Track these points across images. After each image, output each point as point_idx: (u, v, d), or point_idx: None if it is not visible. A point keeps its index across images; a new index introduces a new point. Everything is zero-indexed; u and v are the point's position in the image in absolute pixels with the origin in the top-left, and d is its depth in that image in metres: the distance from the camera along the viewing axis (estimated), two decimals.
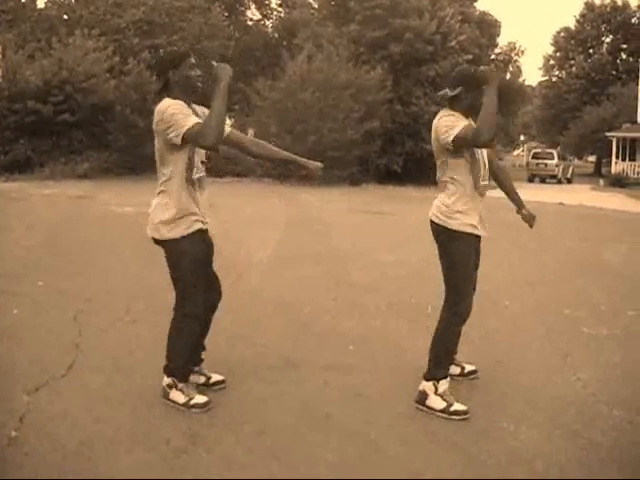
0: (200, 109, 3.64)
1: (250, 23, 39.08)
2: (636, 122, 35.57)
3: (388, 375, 4.22)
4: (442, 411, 3.60)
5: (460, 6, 31.50)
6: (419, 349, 4.33)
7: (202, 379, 3.87)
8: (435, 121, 3.68)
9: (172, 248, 3.54)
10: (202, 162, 3.62)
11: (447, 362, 3.77)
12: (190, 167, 3.50)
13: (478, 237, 3.76)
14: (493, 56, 41.22)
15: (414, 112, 25.07)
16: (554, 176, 35.00)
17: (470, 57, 26.57)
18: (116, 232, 9.96)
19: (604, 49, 48.32)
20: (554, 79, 51.25)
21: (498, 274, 7.25)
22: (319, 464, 3.07)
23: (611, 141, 35.27)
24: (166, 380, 3.66)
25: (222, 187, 17.34)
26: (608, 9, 47.45)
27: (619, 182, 31.76)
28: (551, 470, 3.08)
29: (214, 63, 3.38)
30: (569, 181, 35.63)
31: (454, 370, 4.03)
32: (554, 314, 5.87)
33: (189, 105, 3.53)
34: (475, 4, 37.55)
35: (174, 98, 3.46)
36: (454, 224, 3.64)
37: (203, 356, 3.92)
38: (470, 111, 3.67)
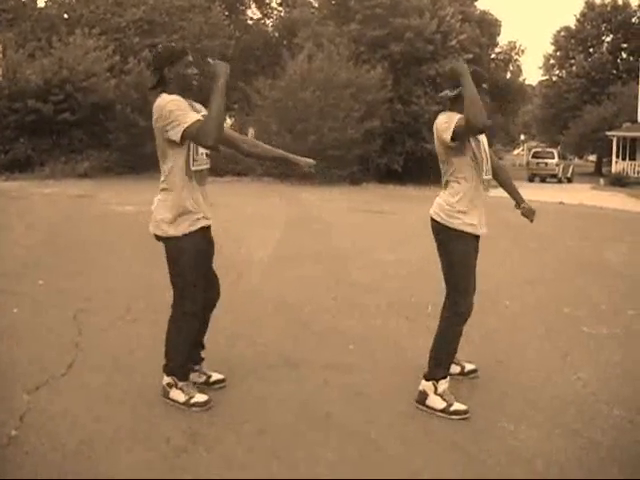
0: (199, 107, 3.63)
1: (250, 22, 39.04)
2: (636, 121, 35.56)
3: (388, 374, 4.22)
4: (442, 411, 3.60)
5: (460, 5, 31.50)
6: (419, 348, 4.33)
7: (202, 378, 3.87)
8: (435, 125, 3.70)
9: (173, 245, 3.54)
10: (207, 154, 3.62)
11: (447, 362, 3.76)
12: (190, 160, 3.51)
13: (478, 236, 3.76)
14: (493, 55, 41.20)
15: (414, 111, 25.05)
16: (554, 175, 34.99)
17: (470, 56, 26.54)
18: (116, 231, 9.96)
19: (604, 48, 48.28)
20: (554, 78, 51.23)
21: (498, 273, 7.26)
22: (319, 463, 3.07)
23: (611, 140, 35.26)
24: (166, 379, 3.66)
25: (222, 186, 17.33)
26: (608, 8, 47.41)
27: (619, 181, 31.75)
28: (551, 469, 3.08)
29: (210, 60, 3.38)
30: (569, 180, 35.61)
31: (454, 369, 4.03)
32: (554, 313, 5.87)
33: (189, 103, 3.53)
34: (475, 3, 37.64)
35: (170, 94, 3.46)
36: (455, 223, 3.65)
37: (203, 355, 3.92)
38: None
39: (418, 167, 24.37)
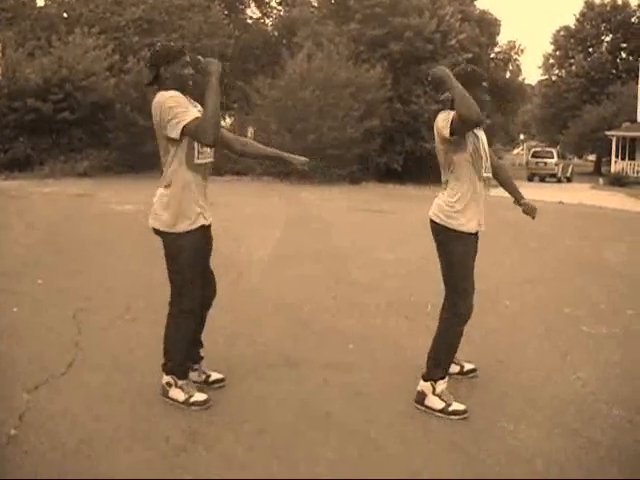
0: (195, 104, 3.63)
1: (250, 21, 38.97)
2: (636, 121, 35.58)
3: (388, 373, 4.22)
4: (441, 411, 3.60)
5: (460, 5, 31.47)
6: (419, 347, 4.33)
7: (201, 377, 3.87)
8: (436, 123, 3.70)
9: (172, 242, 3.54)
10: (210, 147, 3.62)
11: (446, 363, 3.75)
12: (195, 153, 3.51)
13: (476, 235, 3.76)
14: (493, 55, 41.17)
15: (414, 110, 25.05)
16: (554, 175, 35.03)
17: (470, 56, 26.58)
18: (116, 230, 9.96)
19: (604, 48, 48.29)
20: (554, 78, 51.25)
21: (498, 273, 7.26)
22: (319, 462, 3.07)
23: (611, 140, 35.28)
24: (165, 378, 3.66)
25: (222, 185, 17.32)
26: (608, 8, 47.44)
27: (619, 181, 31.78)
28: (551, 469, 3.08)
29: (201, 59, 3.40)
30: (569, 180, 35.64)
31: (453, 369, 4.03)
32: (554, 313, 5.88)
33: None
34: (475, 3, 37.52)
35: (166, 91, 3.47)
36: (454, 224, 3.64)
37: (202, 354, 3.92)
38: None
39: (418, 166, 24.37)
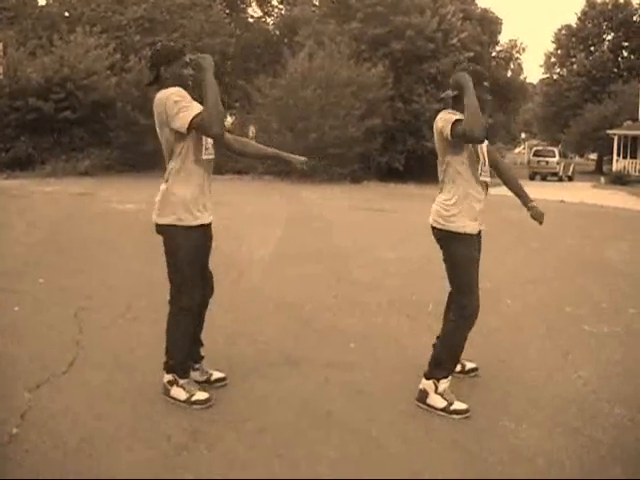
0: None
1: (251, 20, 38.96)
2: (637, 120, 35.51)
3: (389, 372, 4.22)
4: (442, 410, 3.60)
5: (461, 3, 31.44)
6: (420, 346, 4.34)
7: (203, 376, 3.88)
8: (436, 121, 3.69)
9: (172, 238, 3.54)
10: (212, 145, 3.63)
11: (449, 364, 3.73)
12: (202, 149, 3.53)
13: (479, 235, 3.75)
14: (494, 53, 41.13)
15: (415, 109, 25.03)
16: (555, 174, 34.97)
17: (471, 54, 26.56)
18: (117, 229, 9.96)
19: (605, 47, 48.23)
20: (555, 77, 51.19)
21: (499, 272, 7.25)
22: (320, 461, 3.07)
23: (612, 139, 35.23)
24: (167, 377, 3.66)
25: (223, 184, 17.32)
26: (609, 6, 47.37)
27: (620, 180, 31.71)
28: (552, 468, 3.08)
29: (192, 56, 3.42)
30: (570, 179, 35.59)
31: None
32: (555, 312, 5.87)
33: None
34: (476, 1, 37.54)
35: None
36: (454, 226, 3.64)
37: (203, 353, 3.92)
38: None
39: (419, 165, 24.33)
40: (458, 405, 3.60)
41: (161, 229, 3.59)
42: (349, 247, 9.11)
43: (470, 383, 4.06)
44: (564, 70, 50.49)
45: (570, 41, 49.35)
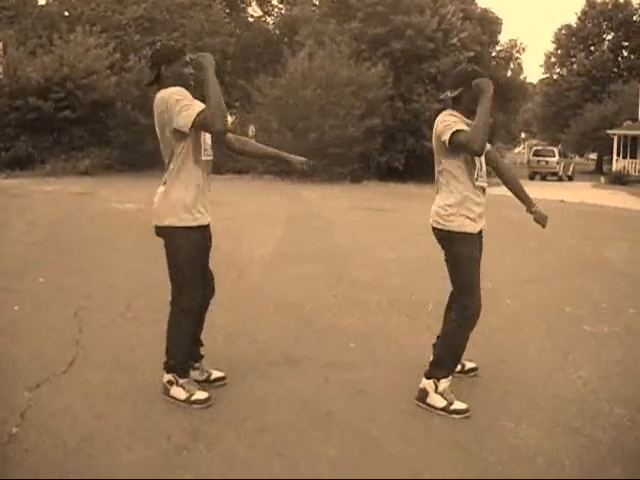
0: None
1: (251, 20, 38.95)
2: (637, 120, 35.52)
3: (389, 372, 4.22)
4: (442, 409, 3.59)
5: (461, 3, 31.43)
6: (420, 346, 4.34)
7: (203, 376, 3.88)
8: (436, 122, 3.68)
9: (173, 239, 3.54)
10: (211, 146, 3.64)
11: (450, 364, 3.73)
12: (201, 150, 3.53)
13: (480, 234, 3.75)
14: (494, 53, 41.13)
15: (415, 109, 25.02)
16: (555, 173, 34.99)
17: (471, 54, 26.53)
18: (117, 229, 9.96)
19: (605, 46, 48.25)
20: (555, 76, 51.21)
21: (499, 272, 7.25)
22: (320, 461, 3.07)
23: (612, 139, 35.24)
24: (166, 376, 3.66)
25: (223, 184, 17.33)
26: (609, 6, 47.38)
27: (620, 180, 31.72)
28: (552, 468, 3.08)
29: (192, 56, 3.42)
30: (570, 178, 35.61)
31: None
32: (555, 312, 5.87)
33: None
34: (476, 1, 37.53)
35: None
36: (454, 226, 3.63)
37: (203, 352, 3.92)
38: (471, 110, 3.67)
39: (419, 165, 24.30)
40: (458, 405, 3.60)
41: (161, 231, 3.58)
42: (349, 247, 9.11)
43: (470, 383, 4.06)
44: (564, 70, 50.51)
45: (570, 41, 49.37)
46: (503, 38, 56.24)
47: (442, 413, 3.58)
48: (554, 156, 35.57)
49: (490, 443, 3.28)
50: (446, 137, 3.51)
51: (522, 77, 46.44)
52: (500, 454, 3.17)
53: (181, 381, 3.64)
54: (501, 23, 40.54)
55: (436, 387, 3.65)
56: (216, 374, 3.92)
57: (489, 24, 37.31)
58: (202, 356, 3.92)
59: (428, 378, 3.70)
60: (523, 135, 70.50)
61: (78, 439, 3.17)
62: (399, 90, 25.08)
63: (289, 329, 5.09)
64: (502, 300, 6.14)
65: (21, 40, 24.79)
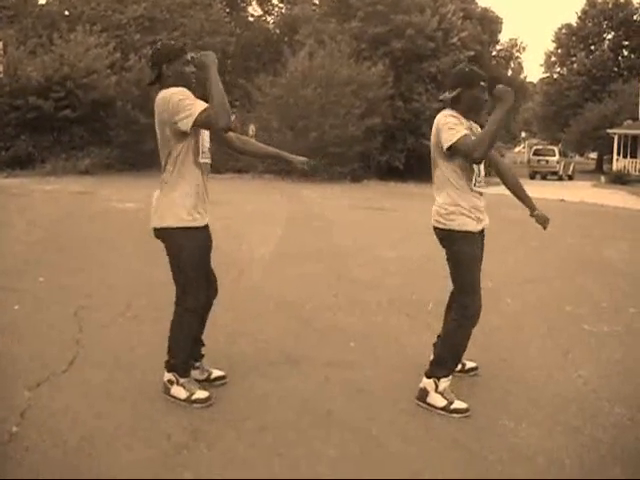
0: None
1: (251, 19, 38.96)
2: (638, 119, 35.51)
3: (389, 371, 4.22)
4: (442, 409, 3.59)
5: (462, 2, 31.43)
6: (420, 345, 4.34)
7: (203, 375, 3.88)
8: (436, 120, 3.65)
9: (174, 240, 3.54)
10: (208, 149, 3.63)
11: (451, 363, 3.72)
12: (199, 152, 3.53)
13: (482, 233, 3.74)
14: (494, 53, 41.17)
15: (415, 108, 25.02)
16: (555, 173, 34.97)
17: (472, 54, 26.54)
18: (117, 228, 9.96)
19: (606, 46, 48.23)
20: (555, 76, 51.20)
21: (499, 271, 7.24)
22: (320, 460, 3.07)
23: (612, 138, 35.21)
24: (167, 376, 3.66)
25: (223, 183, 17.34)
26: (610, 5, 47.36)
27: (620, 179, 31.71)
28: (552, 467, 3.08)
29: (194, 54, 3.42)
30: (570, 178, 35.59)
31: None
32: (555, 311, 5.87)
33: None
34: (477, 0, 37.54)
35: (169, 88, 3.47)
36: (454, 225, 3.62)
37: (203, 352, 3.92)
38: (471, 110, 3.67)
39: (419, 164, 24.24)
40: (458, 404, 3.60)
41: (161, 233, 3.57)
42: (349, 246, 9.11)
43: (470, 382, 4.06)
44: (564, 69, 50.49)
45: (570, 40, 49.35)
46: (503, 37, 56.25)
47: (442, 412, 3.58)
48: (554, 155, 35.58)
49: (490, 442, 3.28)
50: (445, 144, 3.49)
51: (522, 76, 46.66)
52: (500, 453, 3.17)
53: (181, 380, 3.63)
54: (501, 22, 40.63)
55: (436, 386, 3.65)
56: (216, 373, 3.92)
57: (489, 23, 37.37)
58: (203, 355, 3.92)
59: (428, 377, 3.69)
60: (523, 134, 70.52)
61: (78, 438, 3.17)
62: (399, 89, 25.08)
63: (289, 328, 5.09)
64: (502, 299, 6.14)
65: (21, 39, 24.81)
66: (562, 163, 35.69)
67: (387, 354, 4.56)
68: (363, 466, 3.04)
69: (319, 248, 8.74)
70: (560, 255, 8.97)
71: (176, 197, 3.50)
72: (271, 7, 40.20)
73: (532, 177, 34.43)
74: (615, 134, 34.99)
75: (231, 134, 3.94)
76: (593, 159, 51.13)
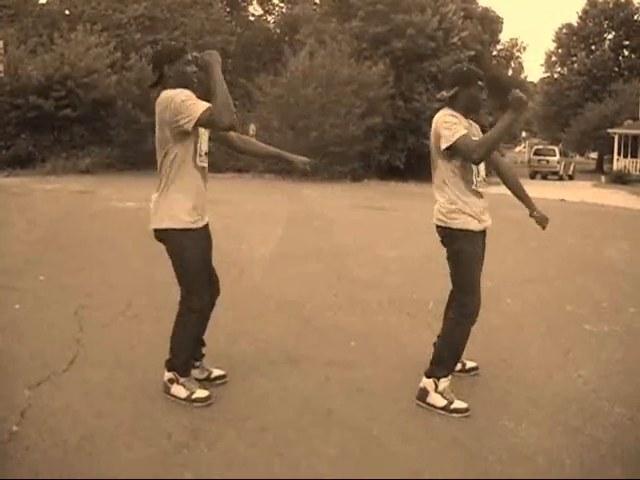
0: None
1: (252, 18, 38.96)
2: (638, 119, 35.50)
3: (390, 371, 4.22)
4: (442, 409, 3.59)
5: (462, 2, 31.43)
6: (421, 345, 4.34)
7: (203, 374, 3.88)
8: (435, 119, 3.65)
9: (175, 241, 3.54)
10: (205, 153, 3.63)
11: (450, 362, 3.72)
12: (195, 155, 3.52)
13: (483, 233, 3.74)
14: (495, 52, 41.16)
15: (416, 108, 24.99)
16: (556, 173, 34.96)
17: (472, 53, 26.53)
18: (118, 227, 9.96)
19: (606, 46, 48.21)
20: (556, 75, 51.19)
21: (500, 271, 7.24)
22: (321, 459, 3.07)
23: (613, 138, 35.20)
24: (167, 375, 3.66)
25: (223, 182, 17.34)
26: (610, 5, 47.34)
27: (621, 179, 31.69)
28: (552, 467, 3.08)
29: (197, 54, 3.42)
30: (571, 178, 35.58)
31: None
32: (556, 311, 5.87)
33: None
34: (477, 0, 37.53)
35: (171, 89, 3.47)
36: (455, 223, 3.62)
37: (203, 351, 3.92)
38: (469, 109, 3.67)
39: (420, 164, 24.20)
40: (458, 404, 3.60)
41: (162, 234, 3.57)
42: (350, 245, 9.11)
43: (470, 382, 4.06)
44: (565, 69, 50.49)
45: (571, 40, 49.33)
46: (504, 37, 56.28)
47: (442, 412, 3.58)
48: (555, 155, 35.57)
49: (490, 442, 3.28)
50: (448, 143, 3.48)
51: (523, 76, 46.59)
52: (500, 453, 3.17)
53: (182, 379, 3.64)
54: (502, 22, 40.65)
55: (436, 386, 3.65)
56: (216, 372, 3.92)
57: (490, 23, 37.38)
58: (203, 355, 3.92)
59: (428, 377, 3.69)
60: (524, 134, 70.42)
61: (78, 438, 3.17)
62: (400, 89, 25.07)
63: (290, 328, 5.09)
64: (502, 299, 6.14)
65: (22, 39, 24.82)
66: (562, 163, 35.69)
67: (387, 353, 4.56)
68: (363, 465, 3.04)
69: (319, 247, 8.75)
70: (560, 255, 8.97)
71: (175, 199, 3.50)
72: (272, 6, 40.20)
73: (532, 177, 34.41)
74: (615, 134, 34.97)
75: (232, 133, 3.94)
76: (593, 159, 51.12)
